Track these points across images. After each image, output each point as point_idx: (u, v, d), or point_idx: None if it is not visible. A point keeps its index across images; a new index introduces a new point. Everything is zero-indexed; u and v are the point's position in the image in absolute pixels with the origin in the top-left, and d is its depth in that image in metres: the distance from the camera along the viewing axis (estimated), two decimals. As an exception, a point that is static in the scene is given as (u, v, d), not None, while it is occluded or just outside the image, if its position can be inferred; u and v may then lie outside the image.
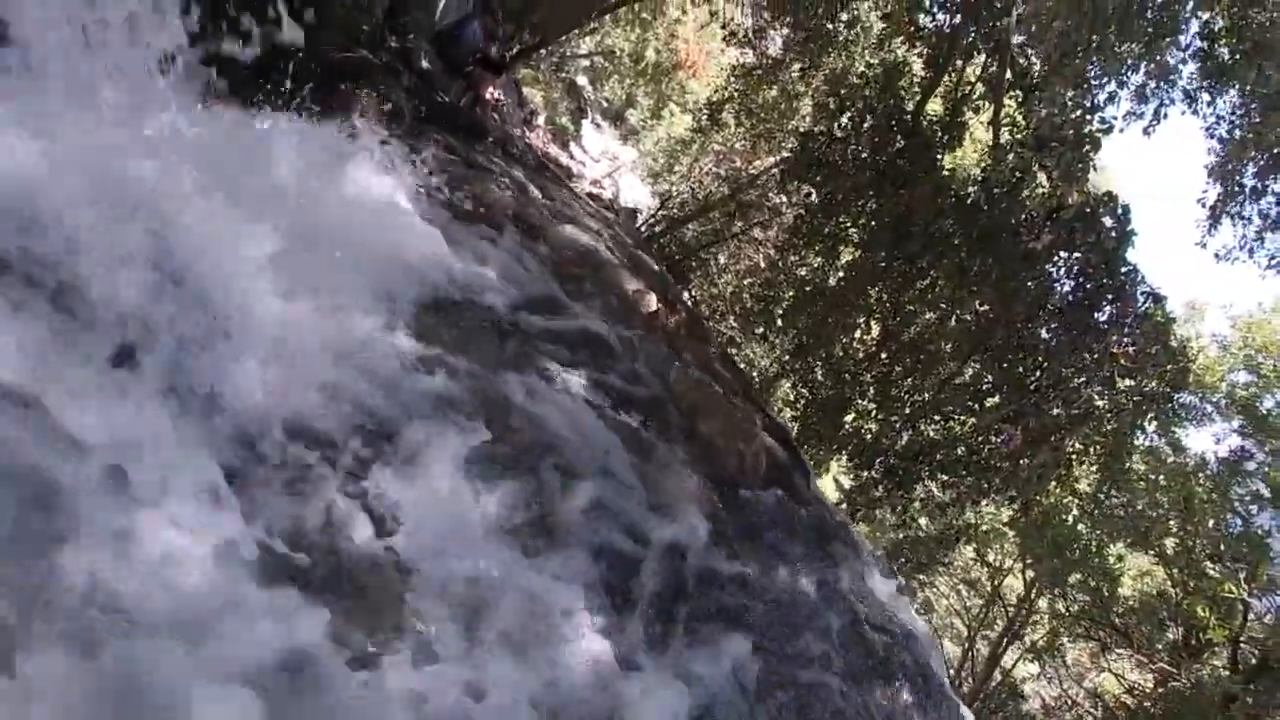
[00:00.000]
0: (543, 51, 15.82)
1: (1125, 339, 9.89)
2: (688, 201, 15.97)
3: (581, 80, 21.52)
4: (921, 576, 15.44)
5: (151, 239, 3.56)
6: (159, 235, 3.60)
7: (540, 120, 18.23)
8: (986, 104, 11.13)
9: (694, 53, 18.88)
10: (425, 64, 8.49)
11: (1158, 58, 10.98)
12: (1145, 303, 9.82)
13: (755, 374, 14.80)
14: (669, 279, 8.44)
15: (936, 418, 11.45)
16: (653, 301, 6.66)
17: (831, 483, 15.46)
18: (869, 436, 12.04)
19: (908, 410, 11.56)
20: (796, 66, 13.26)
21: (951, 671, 15.93)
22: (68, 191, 3.37)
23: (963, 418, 11.31)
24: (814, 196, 11.91)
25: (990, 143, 11.16)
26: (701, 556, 4.38)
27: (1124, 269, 9.63)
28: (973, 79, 11.31)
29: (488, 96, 10.17)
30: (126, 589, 2.51)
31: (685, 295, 13.87)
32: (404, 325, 4.45)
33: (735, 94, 14.27)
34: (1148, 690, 15.15)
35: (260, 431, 3.42)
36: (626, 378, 5.37)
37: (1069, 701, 17.60)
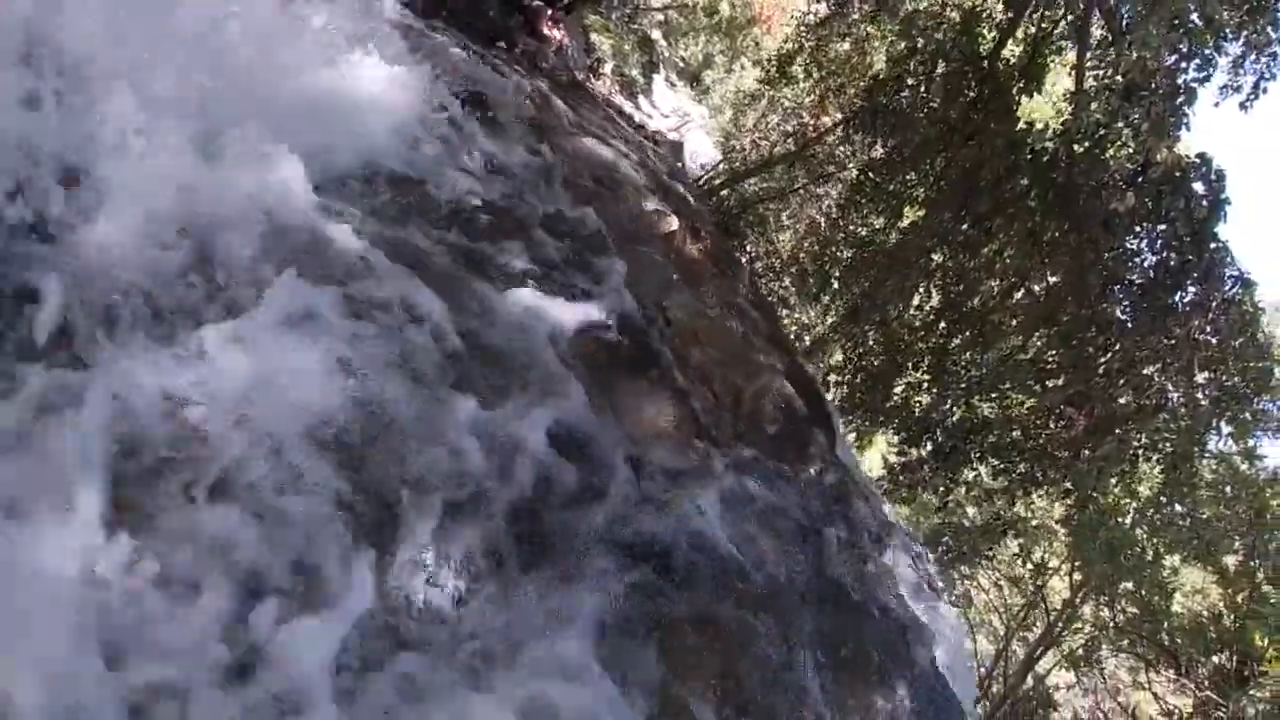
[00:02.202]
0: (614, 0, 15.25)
1: (1208, 326, 8.94)
2: (750, 157, 15.33)
3: (655, 35, 20.90)
4: (963, 569, 14.61)
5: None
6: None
7: (607, 69, 17.55)
8: (1070, 45, 10.25)
9: (769, 6, 18.21)
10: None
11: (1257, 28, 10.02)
12: (1233, 287, 8.81)
13: (807, 338, 14.16)
14: (702, 211, 7.80)
15: (993, 395, 10.58)
16: (672, 223, 6.03)
17: (878, 459, 14.72)
18: (918, 410, 11.30)
19: (963, 385, 10.72)
20: (867, 8, 12.45)
21: (983, 671, 15.29)
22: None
23: (1022, 398, 10.47)
24: (880, 149, 11.18)
25: (1072, 90, 10.23)
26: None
27: (1213, 245, 8.64)
28: (1056, 19, 10.37)
29: (548, 34, 9.52)
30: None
31: (741, 253, 13.22)
32: (332, 189, 3.91)
33: (805, 46, 13.49)
34: (1186, 716, 14.33)
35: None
36: (611, 294, 4.71)
37: (1102, 715, 16.77)
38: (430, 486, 3.04)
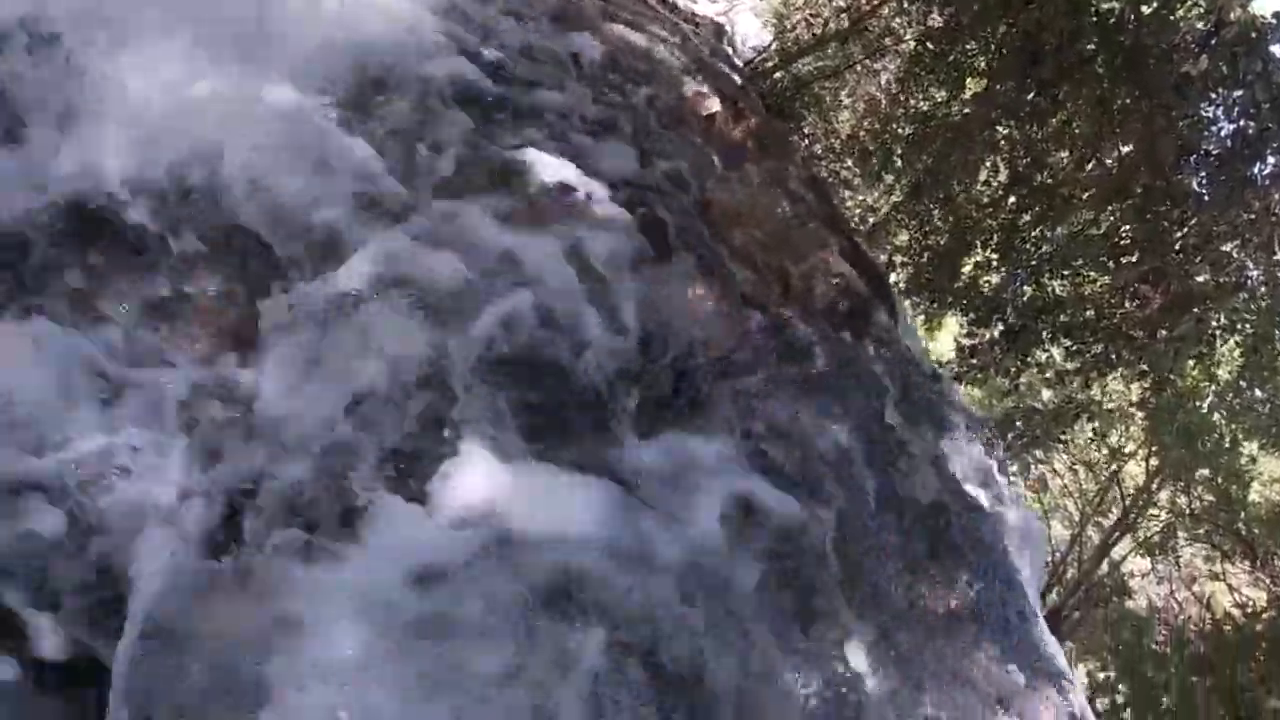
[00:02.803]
0: None
1: (1291, 197, 8.41)
2: (803, 36, 14.70)
3: (701, -90, 20.12)
4: (1038, 453, 14.26)
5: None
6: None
7: (645, -50, 16.82)
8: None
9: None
10: None
11: None
12: (1317, 157, 8.28)
13: (871, 219, 13.76)
14: (748, 92, 7.38)
15: (1065, 273, 10.18)
16: (713, 104, 5.69)
17: (949, 341, 14.38)
18: (987, 290, 10.92)
19: (1032, 263, 10.33)
20: None
21: (1057, 556, 15.06)
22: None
23: (1094, 275, 10.09)
24: (937, 18, 10.66)
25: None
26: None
27: (1294, 111, 8.13)
28: None
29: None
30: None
31: (798, 135, 12.73)
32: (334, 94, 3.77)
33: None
34: (1260, 609, 13.99)
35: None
36: (641, 173, 4.38)
37: (1177, 604, 16.31)
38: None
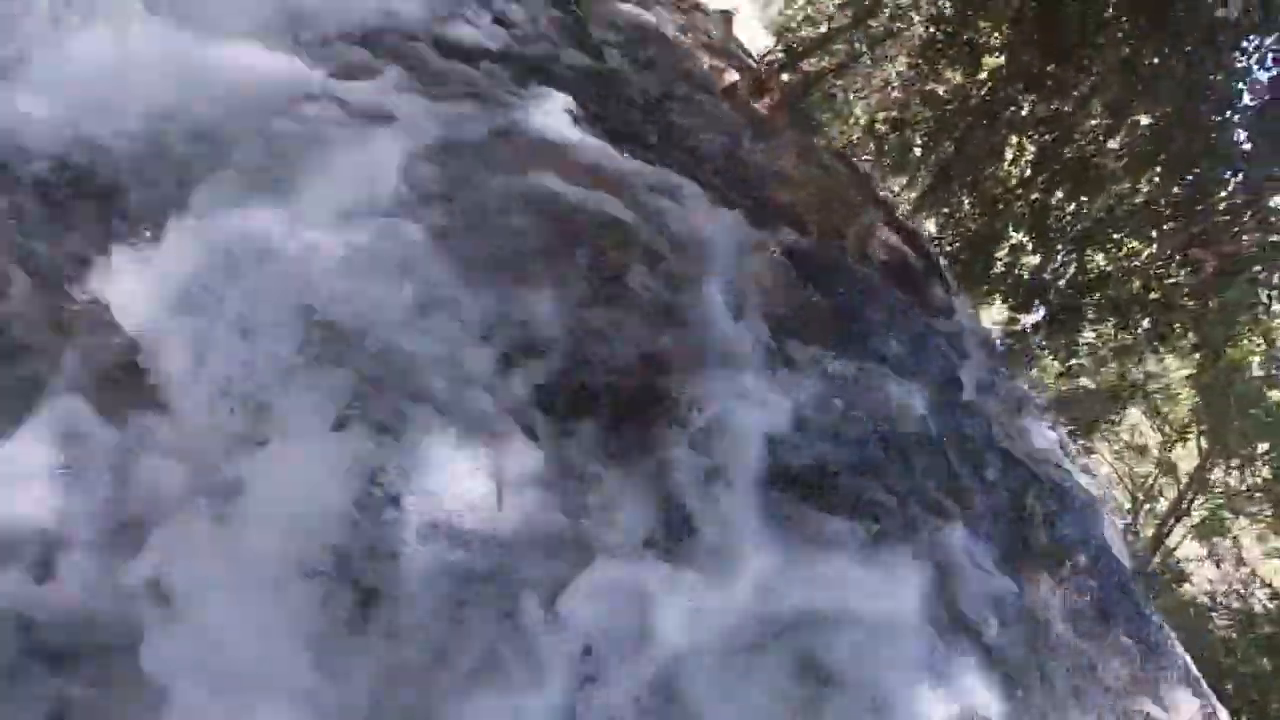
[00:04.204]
0: None
1: (1340, 147, 7.96)
2: (807, 35, 14.44)
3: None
4: (1082, 441, 13.88)
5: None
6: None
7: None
8: None
9: None
10: None
11: None
12: (1366, 100, 7.84)
13: (897, 211, 13.31)
14: (764, 67, 7.09)
15: (1106, 247, 9.83)
16: (732, 75, 5.37)
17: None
18: (1026, 274, 10.52)
19: (1070, 240, 9.96)
20: None
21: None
22: None
23: (1137, 246, 9.64)
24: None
25: None
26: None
27: (1336, 53, 7.79)
28: None
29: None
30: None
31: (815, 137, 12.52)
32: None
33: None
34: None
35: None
36: (668, 149, 4.04)
37: (1233, 586, 15.83)
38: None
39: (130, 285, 2.67)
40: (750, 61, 6.89)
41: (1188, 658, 3.64)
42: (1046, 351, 10.57)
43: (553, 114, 3.83)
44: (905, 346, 3.57)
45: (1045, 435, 4.58)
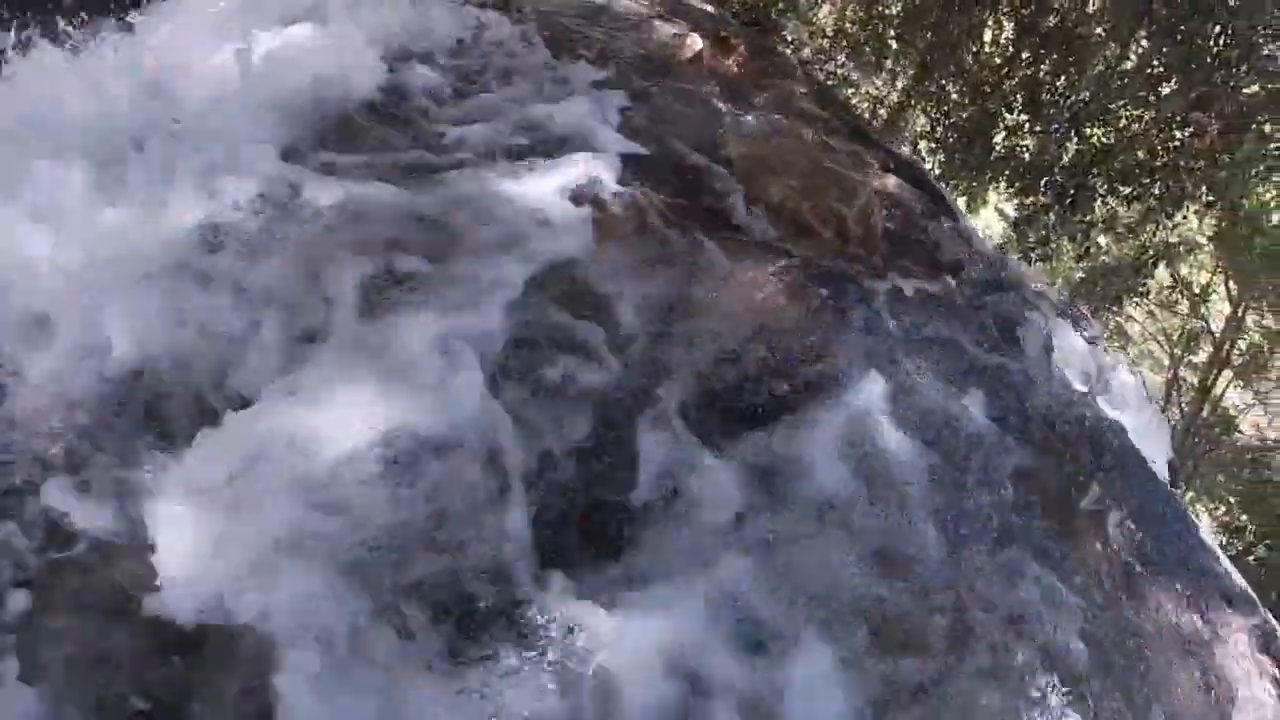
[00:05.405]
0: None
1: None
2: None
3: None
4: (1114, 308, 13.64)
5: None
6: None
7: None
8: None
9: None
10: None
11: None
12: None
13: (882, 111, 13.03)
14: (725, 18, 6.75)
15: (1105, 118, 9.46)
16: (695, 43, 5.10)
17: (994, 215, 13.75)
18: (1026, 155, 10.25)
19: (1067, 115, 9.56)
20: None
21: (1159, 404, 14.27)
22: None
23: (1137, 113, 9.29)
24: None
25: None
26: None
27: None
28: None
29: None
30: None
31: (784, 46, 12.13)
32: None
33: None
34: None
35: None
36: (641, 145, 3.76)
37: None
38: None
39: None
40: (708, 8, 6.55)
41: (1242, 580, 3.42)
42: (1061, 234, 10.31)
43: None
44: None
45: (1075, 345, 4.32)
